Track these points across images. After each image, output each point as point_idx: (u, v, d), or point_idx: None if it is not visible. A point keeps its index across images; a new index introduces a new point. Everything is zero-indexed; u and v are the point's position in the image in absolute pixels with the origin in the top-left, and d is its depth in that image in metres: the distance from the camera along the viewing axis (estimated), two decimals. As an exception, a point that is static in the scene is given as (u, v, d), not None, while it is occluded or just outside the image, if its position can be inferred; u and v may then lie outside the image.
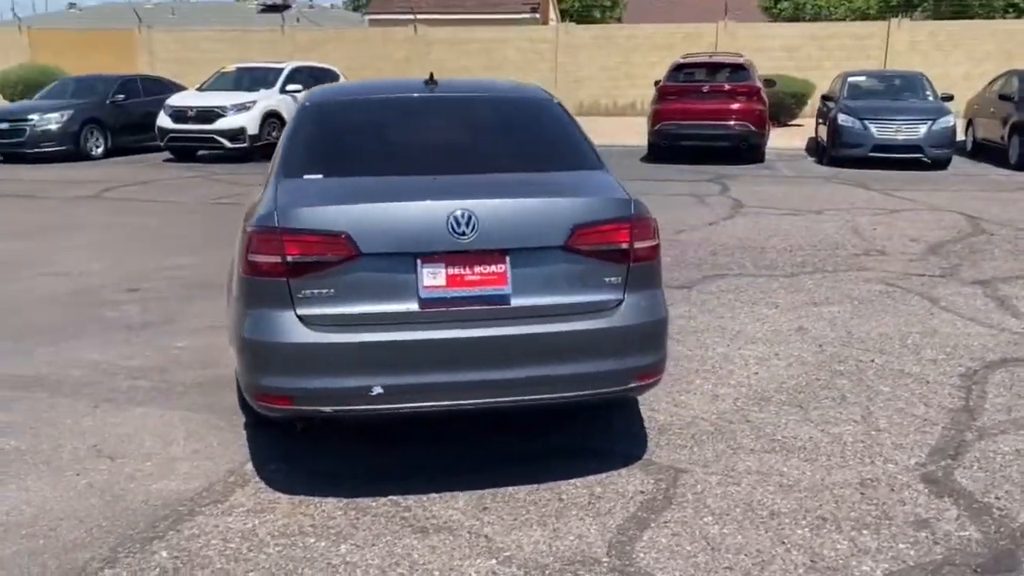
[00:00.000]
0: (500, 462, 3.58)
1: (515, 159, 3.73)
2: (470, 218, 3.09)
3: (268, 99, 15.65)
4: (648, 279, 3.35)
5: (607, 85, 22.54)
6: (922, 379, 4.48)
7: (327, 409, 3.11)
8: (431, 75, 4.19)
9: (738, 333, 5.31)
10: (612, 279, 3.25)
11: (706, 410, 4.12)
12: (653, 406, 4.14)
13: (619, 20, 34.50)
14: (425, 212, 3.11)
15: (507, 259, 3.14)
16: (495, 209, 3.16)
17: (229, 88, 16.18)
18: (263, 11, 41.39)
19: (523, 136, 3.94)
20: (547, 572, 2.81)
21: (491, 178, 3.43)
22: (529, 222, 3.18)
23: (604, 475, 3.45)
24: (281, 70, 16.56)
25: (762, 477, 3.45)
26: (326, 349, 3.04)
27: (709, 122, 14.03)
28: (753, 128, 14.07)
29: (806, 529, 3.06)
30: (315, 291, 3.06)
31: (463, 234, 3.08)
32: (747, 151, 14.28)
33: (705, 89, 14.34)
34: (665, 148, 14.70)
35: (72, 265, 7.22)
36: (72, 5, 50.03)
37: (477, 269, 3.12)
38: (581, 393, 3.26)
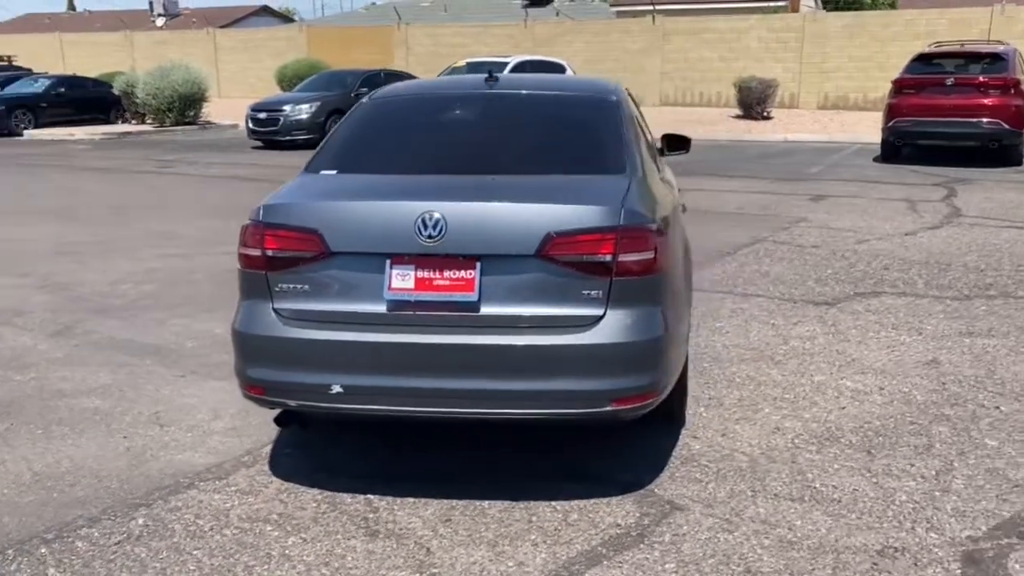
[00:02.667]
0: (497, 474, 3.45)
1: (532, 161, 3.56)
2: (438, 221, 2.99)
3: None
4: (640, 295, 3.05)
5: (857, 77, 20.82)
6: (1047, 436, 3.73)
7: (292, 403, 3.17)
8: (490, 72, 4.12)
9: (853, 361, 4.71)
10: (592, 293, 3.01)
11: (753, 443, 3.70)
12: (696, 432, 3.80)
13: (892, 6, 31.69)
14: (394, 213, 3.06)
15: (477, 265, 3.00)
16: (465, 213, 3.03)
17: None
18: (526, 6, 42.73)
19: (553, 138, 3.75)
20: (465, 596, 2.68)
21: (481, 180, 3.30)
22: (501, 228, 3.03)
23: (591, 501, 3.22)
24: (507, 63, 17.01)
25: (765, 528, 3.04)
26: (292, 344, 3.09)
27: (953, 119, 12.54)
28: (1007, 126, 12.40)
29: (778, 595, 2.67)
30: (290, 286, 3.12)
31: (430, 237, 2.99)
32: (999, 152, 12.61)
33: (949, 82, 12.81)
34: (900, 147, 13.39)
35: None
36: (373, 4, 54.51)
37: (447, 274, 3.01)
38: (548, 412, 3.05)
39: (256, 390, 3.20)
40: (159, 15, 56.00)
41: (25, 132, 21.00)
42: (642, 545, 2.94)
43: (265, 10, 59.95)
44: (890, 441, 3.72)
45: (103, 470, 3.55)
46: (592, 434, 3.75)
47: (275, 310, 3.14)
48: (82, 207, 10.57)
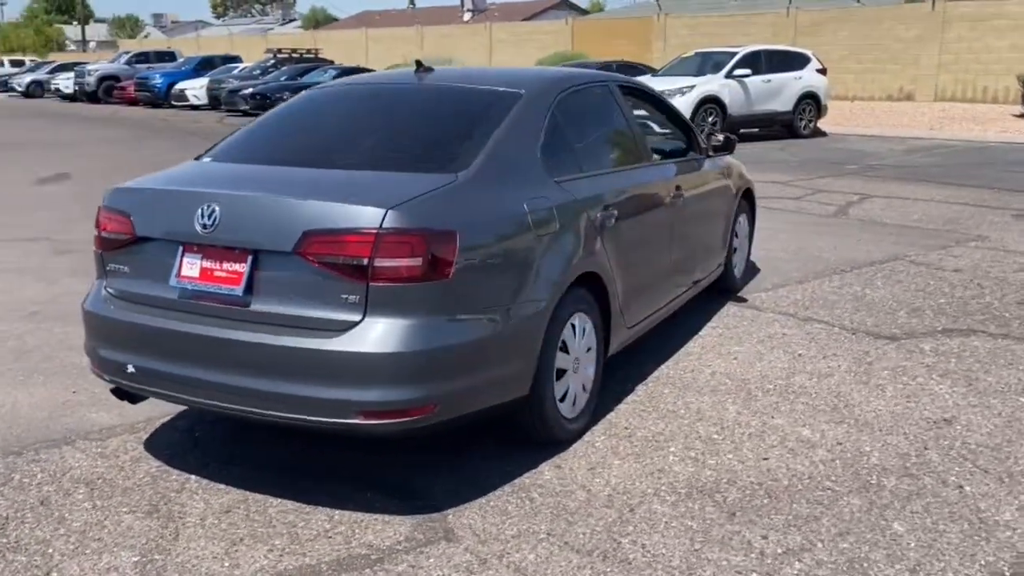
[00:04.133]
0: (326, 474, 3.37)
1: (378, 157, 3.41)
2: (213, 211, 2.99)
3: (708, 84, 15.45)
4: (404, 303, 2.82)
5: None
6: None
7: (107, 377, 3.33)
8: (418, 63, 4.00)
9: (845, 407, 3.98)
10: (350, 297, 2.83)
11: (613, 484, 3.28)
12: (564, 461, 3.45)
13: None
14: (182, 201, 3.09)
15: (249, 259, 2.96)
16: (236, 204, 2.99)
17: (685, 72, 16.32)
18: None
19: (421, 133, 3.58)
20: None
21: (293, 173, 3.24)
22: (267, 222, 2.94)
23: (373, 516, 3.04)
24: (735, 54, 16.15)
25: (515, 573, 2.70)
26: (105, 322, 3.25)
27: None
28: None
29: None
30: (115, 267, 3.29)
31: (205, 227, 2.99)
32: None
33: None
34: None
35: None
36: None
37: (225, 266, 3.00)
38: (296, 417, 2.91)
39: (93, 364, 3.41)
40: (467, 10, 59.87)
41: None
42: (367, 571, 2.75)
43: (565, 3, 61.64)
44: (772, 506, 3.11)
45: (25, 417, 3.96)
46: (445, 447, 3.55)
47: (106, 289, 3.33)
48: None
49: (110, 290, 3.31)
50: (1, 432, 3.81)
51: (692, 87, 15.26)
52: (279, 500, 3.19)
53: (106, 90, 33.83)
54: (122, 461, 3.53)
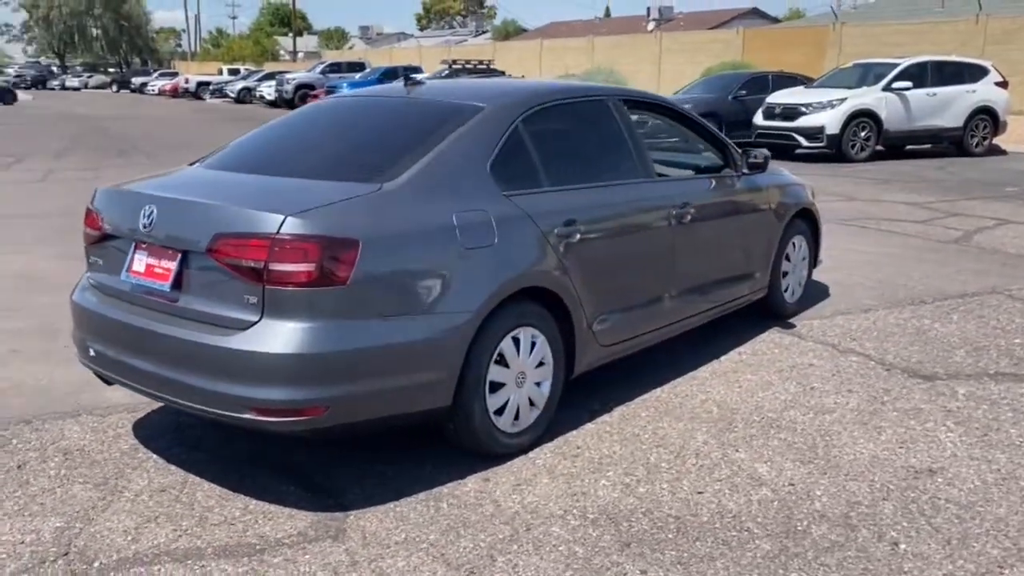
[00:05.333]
0: (280, 464, 3.55)
1: (326, 166, 3.54)
2: (151, 212, 3.24)
3: (862, 97, 14.59)
4: (299, 306, 2.95)
5: None
6: None
7: (82, 360, 3.65)
8: (407, 78, 4.12)
9: (824, 446, 3.72)
10: (250, 298, 2.99)
11: (522, 499, 3.25)
12: (493, 475, 3.45)
13: None
14: (131, 201, 3.38)
15: (178, 257, 3.18)
16: (167, 206, 3.24)
17: (842, 84, 15.50)
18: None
19: (375, 144, 3.71)
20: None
21: (236, 179, 3.47)
22: (189, 224, 3.16)
23: (284, 508, 3.19)
24: (896, 65, 15.12)
25: (370, 581, 2.75)
26: (80, 310, 3.59)
27: None
28: None
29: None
30: (94, 260, 3.63)
31: (144, 226, 3.25)
32: None
33: None
34: None
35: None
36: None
37: (162, 263, 3.24)
38: (203, 408, 3.09)
39: (76, 347, 3.77)
40: (652, 20, 59.45)
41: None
42: (245, 559, 2.89)
43: (754, 12, 59.83)
44: (672, 542, 2.97)
45: (52, 391, 4.42)
46: (395, 448, 3.63)
47: (88, 280, 3.68)
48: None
49: (91, 281, 3.66)
50: (25, 402, 4.28)
51: (843, 100, 14.44)
52: (212, 486, 3.40)
53: (301, 97, 36.48)
54: (107, 436, 3.88)
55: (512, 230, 3.49)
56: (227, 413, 3.05)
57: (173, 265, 3.21)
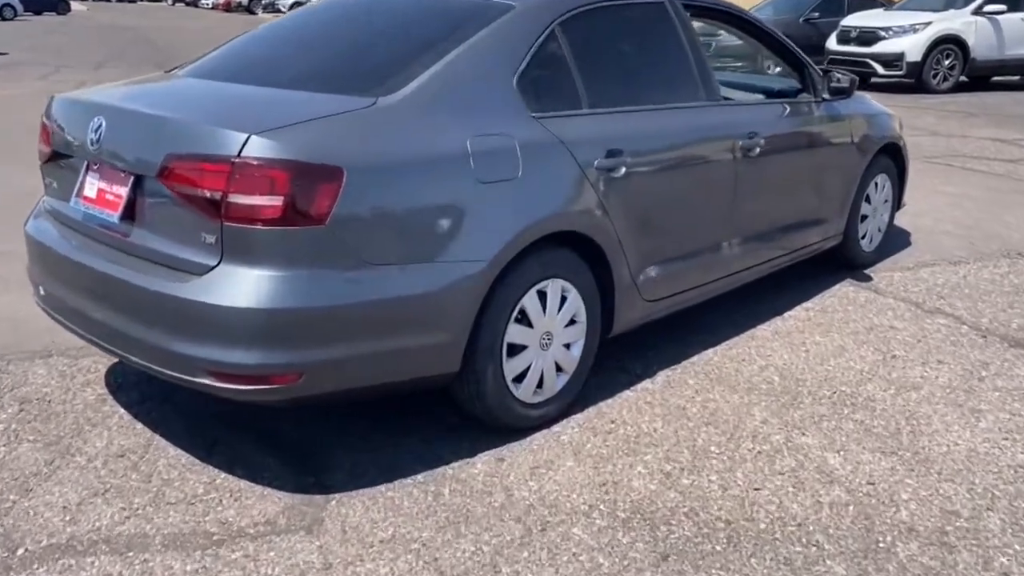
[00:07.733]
0: (262, 431, 3.05)
1: (322, 75, 2.89)
2: (100, 125, 2.66)
3: (948, 21, 13.30)
4: (264, 250, 2.35)
5: None
6: None
7: (33, 295, 3.13)
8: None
9: (917, 436, 3.08)
10: (207, 237, 2.41)
11: (540, 487, 2.68)
12: (507, 454, 2.89)
13: None
14: (80, 113, 2.79)
15: (130, 182, 2.60)
16: (118, 119, 2.64)
17: (927, 6, 14.18)
18: None
19: (379, 50, 3.01)
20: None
21: (213, 87, 2.91)
22: (141, 141, 2.56)
23: (264, 489, 2.67)
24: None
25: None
26: (28, 239, 3.06)
27: None
28: None
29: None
30: (48, 182, 3.08)
31: (93, 142, 2.67)
32: None
33: None
34: None
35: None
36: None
37: (114, 188, 2.67)
38: (154, 368, 2.54)
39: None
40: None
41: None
42: (197, 553, 2.38)
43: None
44: (722, 557, 2.39)
45: (29, 328, 3.95)
46: (404, 414, 3.09)
47: (44, 204, 3.14)
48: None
49: (45, 206, 3.12)
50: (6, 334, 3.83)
51: (927, 24, 13.17)
52: (179, 452, 2.89)
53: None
54: (74, 383, 3.39)
55: (541, 161, 2.85)
56: (181, 376, 2.49)
57: (124, 191, 2.63)
